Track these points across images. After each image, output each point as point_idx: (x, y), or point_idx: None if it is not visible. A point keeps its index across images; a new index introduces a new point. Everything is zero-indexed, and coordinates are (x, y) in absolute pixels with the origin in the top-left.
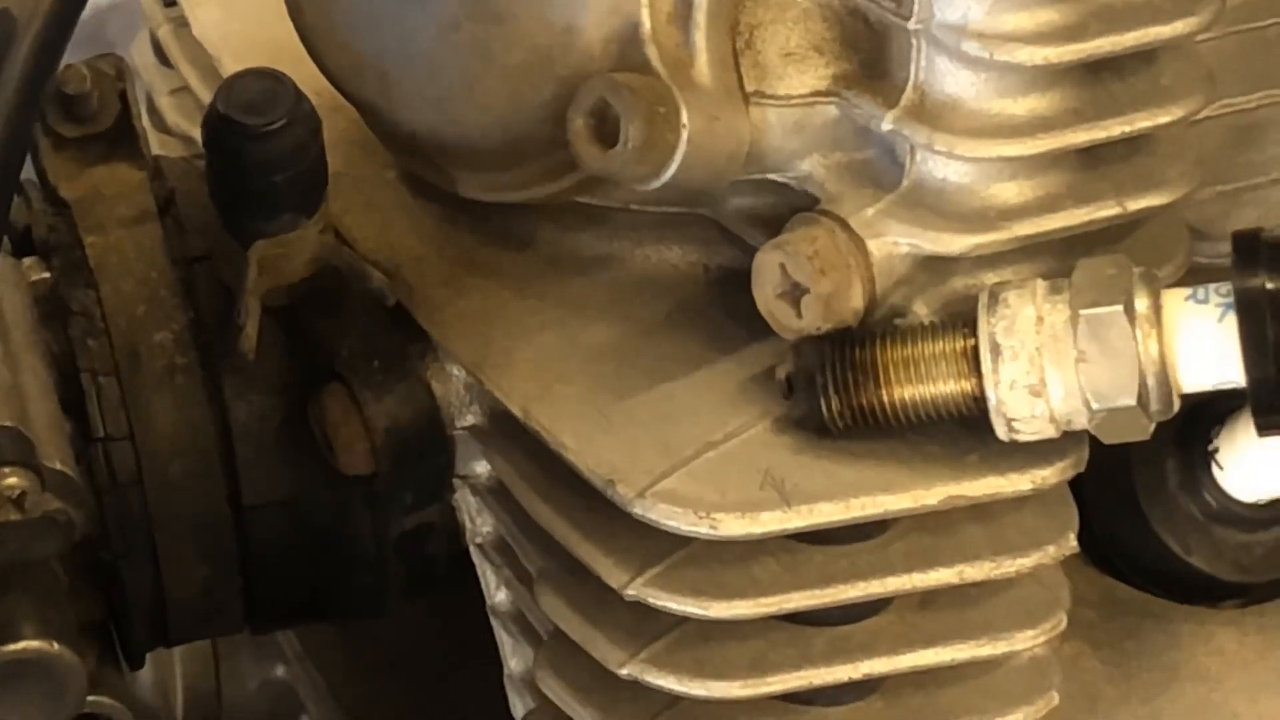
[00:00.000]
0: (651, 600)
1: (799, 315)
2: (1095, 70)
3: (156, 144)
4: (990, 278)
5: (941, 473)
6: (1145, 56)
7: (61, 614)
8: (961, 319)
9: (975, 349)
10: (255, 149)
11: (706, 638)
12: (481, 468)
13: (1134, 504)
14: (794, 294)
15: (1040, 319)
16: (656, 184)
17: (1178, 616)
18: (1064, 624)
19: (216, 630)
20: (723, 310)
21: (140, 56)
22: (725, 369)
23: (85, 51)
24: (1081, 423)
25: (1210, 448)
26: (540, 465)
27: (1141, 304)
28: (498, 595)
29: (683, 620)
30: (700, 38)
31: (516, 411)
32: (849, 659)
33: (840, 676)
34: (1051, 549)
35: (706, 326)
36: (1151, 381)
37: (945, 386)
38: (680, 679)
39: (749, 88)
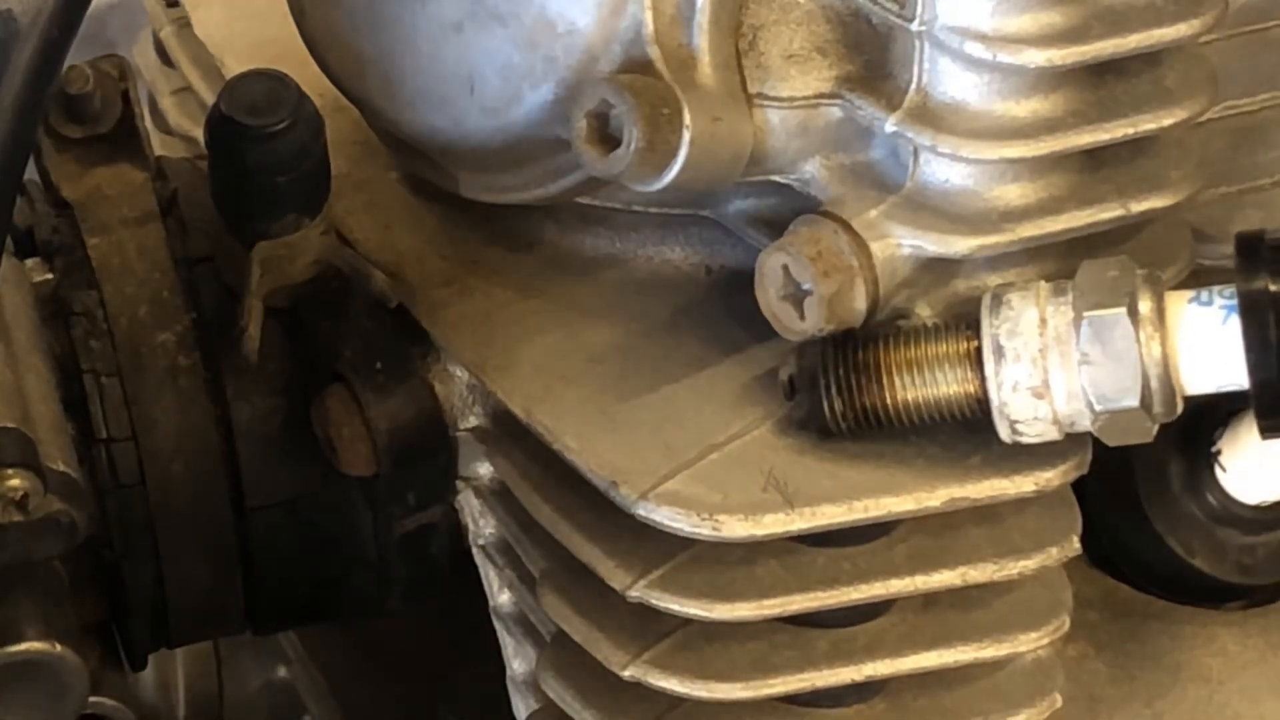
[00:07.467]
0: (654, 602)
1: (802, 317)
2: (1099, 72)
3: (159, 145)
4: (993, 279)
5: (944, 474)
6: (1149, 58)
7: (64, 615)
8: (964, 321)
9: (978, 351)
10: (258, 150)
11: (709, 639)
12: (484, 469)
13: (1137, 506)
14: (797, 295)
15: (1043, 321)
16: (659, 185)
17: (1180, 618)
18: (1067, 626)
19: (218, 631)
20: (725, 311)
21: (142, 57)
22: (728, 370)
23: (86, 52)
24: (1084, 425)
25: (1213, 450)
26: (543, 467)
27: (1145, 306)
28: (500, 597)
29: (685, 622)
30: (703, 39)
31: (519, 412)
32: (852, 661)
33: (843, 678)
34: (1055, 551)
35: (709, 328)
36: (1155, 384)
37: (948, 388)
38: (683, 680)
39: (752, 89)
